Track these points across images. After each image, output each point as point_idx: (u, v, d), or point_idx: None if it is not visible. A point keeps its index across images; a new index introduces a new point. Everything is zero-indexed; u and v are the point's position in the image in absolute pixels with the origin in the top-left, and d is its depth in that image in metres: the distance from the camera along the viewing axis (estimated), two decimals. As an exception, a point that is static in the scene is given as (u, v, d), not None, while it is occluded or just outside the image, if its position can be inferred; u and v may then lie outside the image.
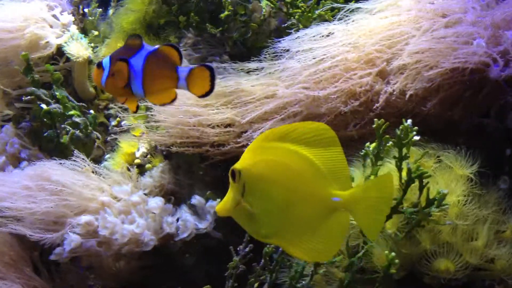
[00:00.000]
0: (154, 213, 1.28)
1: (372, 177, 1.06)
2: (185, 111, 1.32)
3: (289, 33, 1.38)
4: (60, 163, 1.39)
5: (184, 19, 1.53)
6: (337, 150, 0.87)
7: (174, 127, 1.33)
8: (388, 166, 1.06)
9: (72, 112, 1.49)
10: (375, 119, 1.04)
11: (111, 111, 1.69)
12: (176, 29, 1.62)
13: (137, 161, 1.45)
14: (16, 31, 1.64)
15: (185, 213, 1.27)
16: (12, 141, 1.54)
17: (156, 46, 0.99)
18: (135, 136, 1.51)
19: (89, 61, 1.72)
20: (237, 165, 0.87)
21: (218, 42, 1.54)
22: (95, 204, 1.30)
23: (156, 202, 1.29)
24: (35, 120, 1.54)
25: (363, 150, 1.08)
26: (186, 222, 1.25)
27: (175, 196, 1.36)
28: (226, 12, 1.45)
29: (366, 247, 1.02)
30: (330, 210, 0.86)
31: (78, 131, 1.48)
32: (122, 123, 1.62)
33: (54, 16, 1.72)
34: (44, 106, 1.50)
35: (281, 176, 0.87)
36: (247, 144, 1.25)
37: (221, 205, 0.89)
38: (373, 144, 1.07)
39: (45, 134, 1.50)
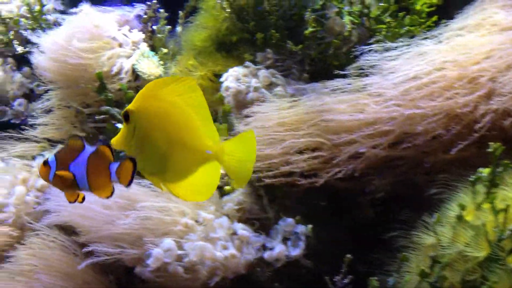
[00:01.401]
0: (241, 239, 1.23)
1: (486, 205, 0.99)
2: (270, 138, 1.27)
3: (371, 50, 1.33)
4: (139, 183, 1.36)
5: (261, 36, 1.49)
6: (206, 109, 0.98)
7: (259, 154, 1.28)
8: (506, 194, 0.98)
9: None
10: (491, 143, 0.97)
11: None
12: (250, 46, 1.58)
13: (215, 182, 1.40)
14: (88, 50, 1.63)
15: (274, 240, 1.21)
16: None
17: (95, 147, 1.11)
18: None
19: (159, 79, 1.69)
20: (130, 107, 0.96)
21: (295, 59, 1.49)
22: (179, 226, 1.25)
23: (244, 228, 1.24)
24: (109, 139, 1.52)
25: (472, 176, 1.01)
26: (275, 249, 1.19)
27: (258, 221, 1.31)
28: (310, 29, 1.40)
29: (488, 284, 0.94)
30: (204, 160, 0.98)
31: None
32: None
33: (124, 34, 1.71)
34: (119, 125, 1.47)
35: (165, 124, 0.97)
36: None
37: (114, 140, 0.99)
38: (487, 169, 1.00)
39: (121, 154, 1.47)
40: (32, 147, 1.69)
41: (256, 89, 1.41)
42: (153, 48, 1.77)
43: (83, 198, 1.11)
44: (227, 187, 1.40)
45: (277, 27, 1.49)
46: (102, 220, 1.33)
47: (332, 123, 1.25)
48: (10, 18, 1.84)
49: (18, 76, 1.86)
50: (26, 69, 1.89)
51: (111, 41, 1.67)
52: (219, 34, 1.63)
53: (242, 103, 1.42)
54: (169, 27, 1.79)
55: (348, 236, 1.37)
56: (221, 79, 1.50)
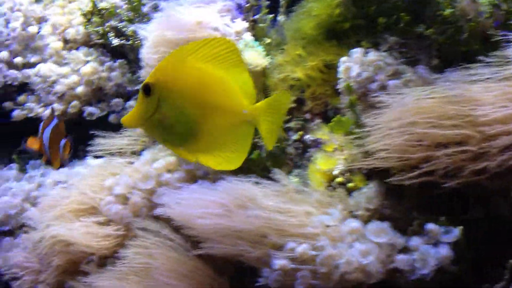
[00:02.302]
0: (376, 242, 1.12)
1: None
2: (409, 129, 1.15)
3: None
4: (257, 182, 1.27)
5: (383, 21, 1.37)
6: (243, 68, 0.97)
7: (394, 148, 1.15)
8: None
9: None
10: None
11: (291, 124, 1.55)
12: (365, 33, 1.46)
13: (339, 179, 1.29)
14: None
15: (422, 244, 1.09)
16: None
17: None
18: (326, 151, 1.37)
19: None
20: (150, 79, 0.95)
21: (422, 45, 1.36)
22: (307, 228, 1.15)
23: (379, 228, 1.12)
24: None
25: None
26: (426, 255, 1.07)
27: (390, 221, 1.19)
28: (448, 11, 1.27)
29: None
30: (239, 122, 0.96)
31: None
32: (306, 137, 1.49)
33: (225, 24, 1.62)
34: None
35: (194, 90, 0.95)
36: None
37: (129, 118, 0.98)
38: None
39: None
40: (133, 144, 1.64)
41: (383, 76, 1.29)
42: (255, 38, 1.69)
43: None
44: (350, 184, 1.29)
45: (400, 10, 1.36)
46: (218, 218, 1.24)
47: (480, 114, 1.11)
48: (106, 9, 1.79)
49: (115, 74, 1.82)
50: (120, 61, 1.84)
51: (214, 32, 1.60)
52: (330, 21, 1.51)
53: (368, 92, 1.30)
54: (271, 15, 1.70)
55: (486, 238, 1.23)
56: (340, 67, 1.38)
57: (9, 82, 1.90)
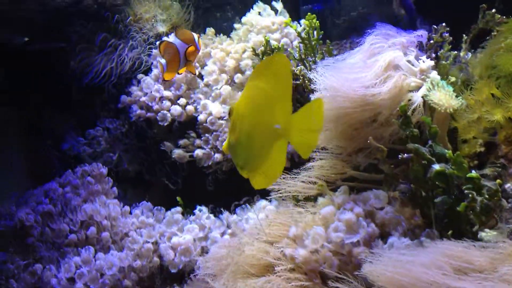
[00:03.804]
0: None
1: None
2: None
3: None
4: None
5: None
6: (288, 80, 0.97)
7: None
8: None
9: (473, 175, 1.23)
10: None
11: (486, 171, 1.41)
12: None
13: None
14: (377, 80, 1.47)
15: None
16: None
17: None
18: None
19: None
20: (233, 104, 1.00)
21: None
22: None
23: None
24: (417, 182, 1.32)
25: None
26: None
27: None
28: None
29: None
30: (274, 137, 0.96)
31: (483, 197, 1.21)
32: (506, 186, 1.34)
33: (408, 61, 1.52)
34: (436, 166, 1.27)
35: (248, 110, 0.98)
36: None
37: (225, 143, 1.02)
38: None
39: (438, 200, 1.26)
40: (307, 188, 1.56)
41: None
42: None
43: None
44: None
45: None
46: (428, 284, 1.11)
47: None
48: (278, 48, 1.76)
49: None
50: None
51: (396, 71, 1.50)
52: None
53: None
54: (455, 52, 1.58)
55: None
56: None
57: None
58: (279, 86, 0.96)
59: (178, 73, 1.78)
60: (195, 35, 1.79)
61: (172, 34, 1.79)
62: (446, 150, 1.32)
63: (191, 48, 1.73)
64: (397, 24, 1.85)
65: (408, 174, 1.36)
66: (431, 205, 1.29)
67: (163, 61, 1.75)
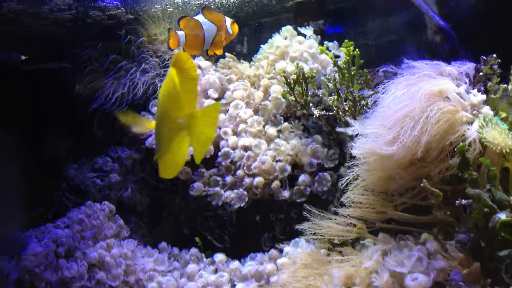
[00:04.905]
0: None
1: None
2: None
3: None
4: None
5: None
6: (195, 94, 1.09)
7: None
8: None
9: (545, 227, 1.11)
10: None
11: None
12: None
13: None
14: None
15: None
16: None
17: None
18: None
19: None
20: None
21: None
22: None
23: None
24: (477, 232, 1.20)
25: None
26: None
27: None
28: None
29: None
30: (178, 130, 1.07)
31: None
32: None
33: (458, 94, 1.40)
34: (502, 215, 1.14)
35: (160, 102, 1.10)
36: None
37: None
38: None
39: (502, 253, 1.13)
40: (347, 231, 1.43)
41: None
42: (489, 113, 1.45)
43: None
44: None
45: None
46: None
47: None
48: (310, 77, 1.62)
49: (311, 147, 1.65)
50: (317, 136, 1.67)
51: (444, 104, 1.38)
52: None
53: None
54: (504, 85, 1.46)
55: None
56: None
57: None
58: (185, 84, 1.07)
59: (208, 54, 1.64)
60: (228, 19, 1.59)
61: (199, 14, 1.58)
62: (506, 196, 1.20)
63: (220, 37, 1.55)
64: (434, 53, 1.74)
65: (466, 222, 1.23)
66: (495, 258, 1.16)
67: (181, 33, 1.54)
